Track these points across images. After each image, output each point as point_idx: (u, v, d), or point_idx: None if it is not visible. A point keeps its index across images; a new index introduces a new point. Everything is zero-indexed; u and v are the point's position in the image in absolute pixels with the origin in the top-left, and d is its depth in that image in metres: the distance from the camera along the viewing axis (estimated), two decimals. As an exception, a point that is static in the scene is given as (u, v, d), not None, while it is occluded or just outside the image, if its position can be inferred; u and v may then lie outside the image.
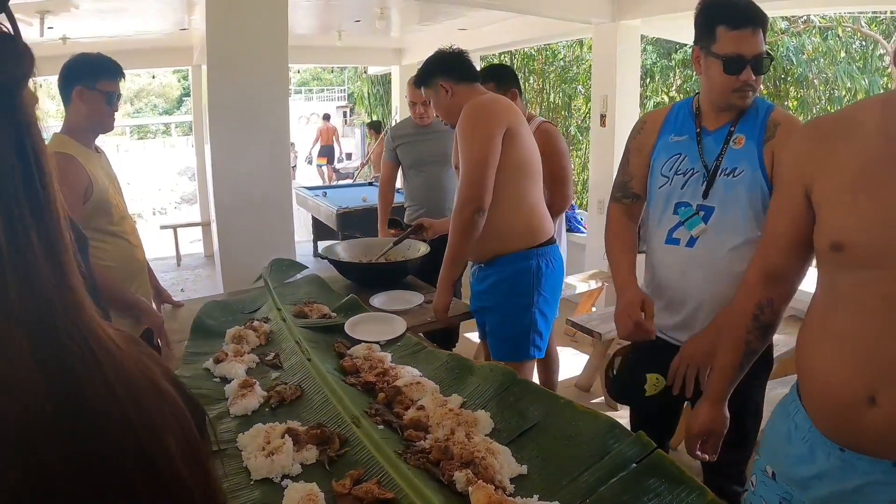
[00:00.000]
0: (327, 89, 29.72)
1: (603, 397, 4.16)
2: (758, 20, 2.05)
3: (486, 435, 1.78)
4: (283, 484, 1.62)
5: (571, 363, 5.09)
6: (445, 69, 3.16)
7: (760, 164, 2.10)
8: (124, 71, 2.81)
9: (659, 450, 1.54)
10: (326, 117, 19.17)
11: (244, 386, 2.13)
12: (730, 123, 2.19)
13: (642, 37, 6.71)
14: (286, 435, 1.77)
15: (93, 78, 2.65)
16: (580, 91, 13.27)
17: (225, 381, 2.26)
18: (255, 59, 4.27)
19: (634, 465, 1.53)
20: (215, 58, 4.27)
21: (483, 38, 8.23)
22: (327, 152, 17.73)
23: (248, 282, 3.69)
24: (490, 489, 1.47)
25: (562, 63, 14.21)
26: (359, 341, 2.56)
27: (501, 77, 3.68)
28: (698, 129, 2.25)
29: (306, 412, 2.03)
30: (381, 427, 1.86)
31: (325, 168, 17.50)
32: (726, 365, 1.86)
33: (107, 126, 2.82)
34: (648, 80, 12.11)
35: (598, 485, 1.52)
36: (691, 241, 2.23)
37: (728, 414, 1.93)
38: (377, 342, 2.54)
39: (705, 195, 2.19)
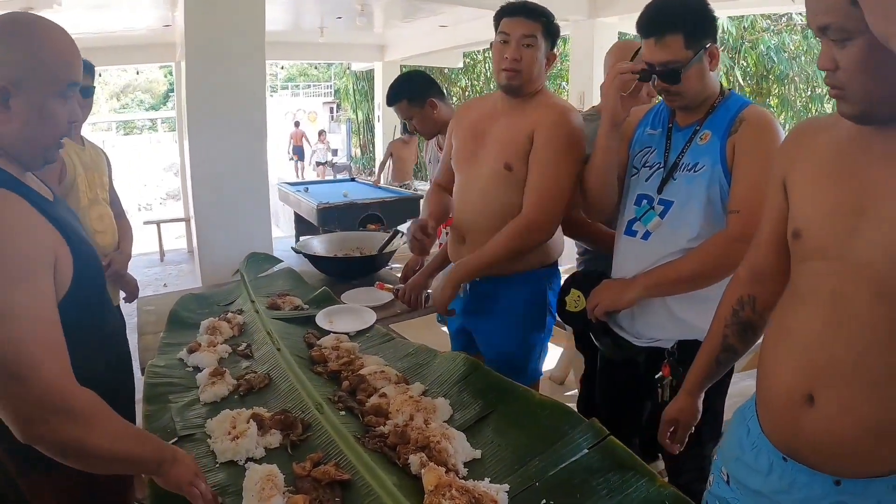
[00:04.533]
0: (314, 85, 29.68)
1: (577, 389, 4.21)
2: (661, 28, 2.05)
3: (444, 421, 1.85)
4: (246, 466, 1.68)
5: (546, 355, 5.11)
6: (434, 86, 3.24)
7: (721, 158, 2.09)
8: (106, 66, 2.95)
9: (611, 436, 1.60)
10: (297, 124, 21.44)
11: (214, 374, 2.19)
12: (698, 121, 2.19)
13: (620, 33, 6.78)
14: (251, 420, 1.83)
15: None
16: (564, 87, 13.35)
17: (197, 370, 2.33)
18: (233, 55, 4.32)
19: (586, 450, 1.59)
20: (193, 54, 4.32)
21: (464, 35, 8.31)
22: (297, 151, 20.89)
23: (226, 276, 3.76)
24: (441, 471, 1.53)
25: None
26: (329, 332, 2.62)
27: (413, 94, 3.34)
28: (670, 125, 2.27)
29: (273, 399, 2.09)
30: (342, 413, 1.93)
31: (296, 163, 20.77)
32: (701, 356, 1.86)
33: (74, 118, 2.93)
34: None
35: (549, 469, 1.58)
36: (646, 235, 2.23)
37: (700, 407, 1.94)
38: (346, 333, 2.61)
39: (660, 190, 2.20)
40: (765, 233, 1.64)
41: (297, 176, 20.07)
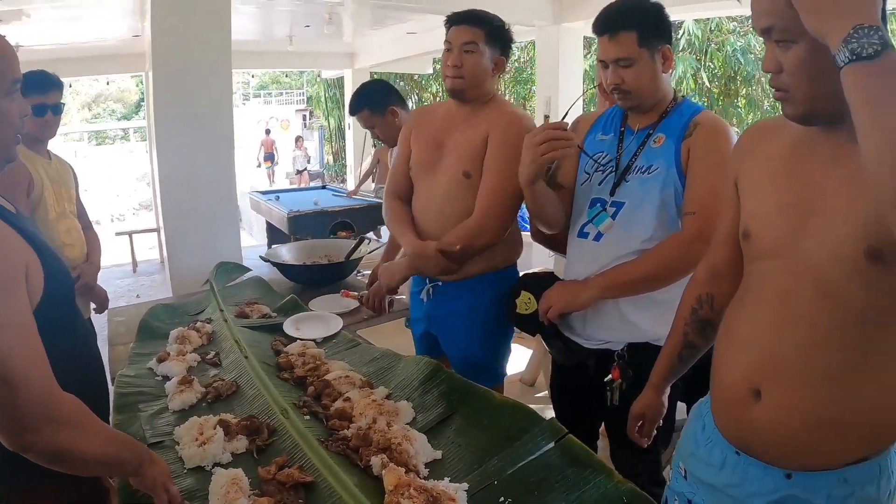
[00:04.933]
0: (286, 92, 29.63)
1: (547, 391, 4.27)
2: (615, 25, 2.11)
3: (406, 423, 1.89)
4: (213, 471, 1.71)
5: (516, 358, 5.15)
6: (394, 94, 3.33)
7: (676, 161, 2.14)
8: (77, 77, 3.01)
9: (570, 435, 1.66)
10: (267, 132, 22.23)
11: (183, 383, 2.22)
12: (651, 125, 2.25)
13: (585, 38, 6.86)
14: (218, 426, 1.87)
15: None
16: (534, 92, 13.45)
17: (166, 379, 2.35)
18: (200, 65, 4.34)
19: (544, 449, 1.64)
20: (160, 65, 4.34)
21: (432, 42, 8.36)
22: (269, 157, 21.55)
23: (196, 285, 3.78)
24: (400, 471, 1.57)
25: (516, 65, 14.41)
26: (296, 339, 2.66)
27: (374, 104, 3.41)
28: (622, 129, 2.32)
29: (240, 406, 2.13)
30: (307, 418, 1.97)
31: (268, 170, 21.47)
32: (664, 353, 1.90)
33: (43, 134, 3.07)
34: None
35: (508, 468, 1.63)
36: (598, 236, 2.27)
37: (665, 402, 1.99)
38: (313, 339, 2.65)
39: (612, 192, 2.25)
40: (721, 233, 1.70)
41: (270, 182, 20.46)
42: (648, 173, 2.19)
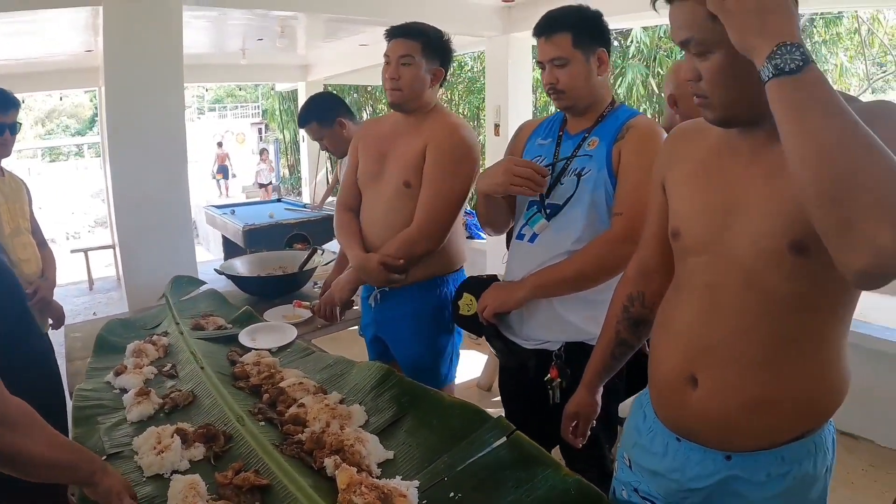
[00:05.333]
0: (241, 106, 29.49)
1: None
2: (551, 27, 2.24)
3: (359, 426, 1.95)
4: (171, 478, 1.75)
5: (472, 363, 5.25)
6: (343, 107, 3.40)
7: (607, 163, 2.23)
8: (30, 92, 3.04)
9: (517, 431, 1.72)
10: (219, 144, 22.37)
11: (140, 394, 2.25)
12: (587, 129, 2.34)
13: (534, 47, 6.97)
14: (175, 435, 1.90)
15: None
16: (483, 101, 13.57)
17: (124, 391, 2.37)
18: (152, 80, 4.36)
19: (493, 446, 1.71)
20: (113, 80, 4.36)
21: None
22: (222, 170, 21.66)
23: (152, 300, 3.79)
24: (352, 471, 1.62)
25: (469, 75, 14.51)
26: (251, 349, 2.71)
27: (322, 116, 3.54)
28: (561, 133, 2.42)
29: (197, 415, 2.17)
30: (262, 424, 2.02)
31: (221, 182, 21.72)
32: (597, 352, 1.97)
33: None
34: (548, 88, 12.43)
35: (458, 464, 1.69)
36: (533, 237, 2.36)
37: (599, 401, 2.06)
38: (268, 349, 2.70)
39: (547, 194, 2.33)
40: (649, 233, 1.78)
41: (221, 196, 20.67)
42: (581, 175, 2.28)
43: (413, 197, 2.68)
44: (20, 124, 3.09)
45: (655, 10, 1.39)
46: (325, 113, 3.43)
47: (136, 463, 1.86)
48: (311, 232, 7.66)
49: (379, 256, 2.66)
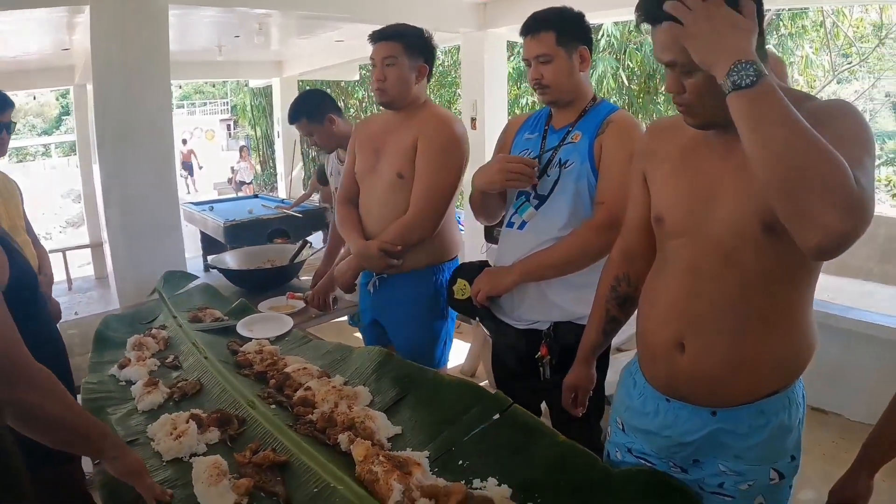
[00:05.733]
0: (210, 102, 29.32)
1: (487, 381, 4.45)
2: (537, 26, 2.39)
3: (365, 405, 2.06)
4: (191, 461, 1.84)
5: (455, 351, 5.32)
6: (332, 103, 3.56)
7: (589, 156, 2.39)
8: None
9: (515, 405, 1.88)
10: (184, 142, 22.63)
11: (148, 384, 2.33)
12: (571, 124, 2.49)
13: (508, 42, 7.08)
14: (190, 420, 2.00)
15: None
16: (459, 95, 13.63)
17: (130, 383, 2.45)
18: (140, 78, 4.39)
19: (494, 418, 1.85)
20: (101, 79, 4.38)
21: (359, 49, 8.48)
22: (187, 167, 22.04)
23: (143, 296, 3.85)
24: (368, 443, 1.75)
25: (441, 69, 14.60)
26: (250, 339, 2.80)
27: (312, 112, 3.61)
28: (546, 128, 2.57)
29: (207, 402, 2.26)
30: (273, 407, 2.13)
31: (188, 179, 22.16)
32: (590, 330, 2.16)
33: None
34: (522, 82, 12.55)
35: (463, 436, 1.83)
36: (522, 225, 2.52)
37: (594, 374, 2.25)
38: (267, 338, 2.79)
39: (536, 185, 2.48)
40: (631, 220, 1.96)
41: (188, 191, 20.98)
42: (566, 167, 2.43)
43: (406, 188, 2.82)
44: (14, 123, 3.12)
45: (640, 31, 1.56)
46: (315, 109, 3.53)
47: (154, 449, 1.94)
48: (290, 227, 7.76)
49: (378, 243, 2.79)
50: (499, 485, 1.63)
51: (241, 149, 20.13)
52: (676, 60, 1.46)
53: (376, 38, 2.81)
